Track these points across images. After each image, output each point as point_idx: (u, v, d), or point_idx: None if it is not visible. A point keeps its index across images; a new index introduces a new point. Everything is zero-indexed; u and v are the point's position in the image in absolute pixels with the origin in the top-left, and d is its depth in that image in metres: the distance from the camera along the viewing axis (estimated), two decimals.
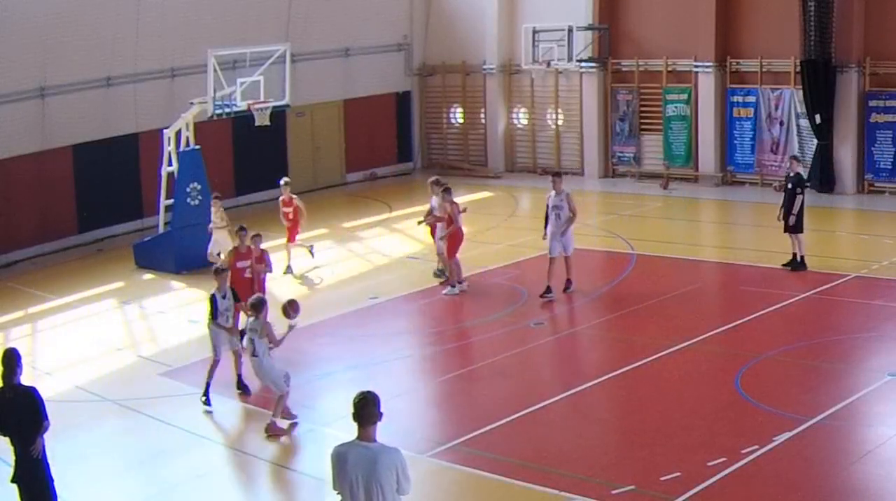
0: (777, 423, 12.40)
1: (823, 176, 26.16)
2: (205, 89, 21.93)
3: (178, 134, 22.31)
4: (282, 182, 21.58)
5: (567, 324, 17.77)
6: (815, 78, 25.68)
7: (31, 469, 10.27)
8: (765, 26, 27.11)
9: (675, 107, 28.72)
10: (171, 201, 22.25)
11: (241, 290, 15.93)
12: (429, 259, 20.90)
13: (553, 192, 18.24)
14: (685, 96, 28.52)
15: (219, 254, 20.04)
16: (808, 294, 17.90)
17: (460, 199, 20.04)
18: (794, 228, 19.21)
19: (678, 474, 11.18)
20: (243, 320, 15.15)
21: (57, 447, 11.09)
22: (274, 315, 13.60)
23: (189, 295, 20.10)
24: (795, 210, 19.10)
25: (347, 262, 22.40)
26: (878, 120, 25.75)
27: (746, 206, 26.24)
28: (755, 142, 27.62)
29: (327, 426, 13.42)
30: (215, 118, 22.40)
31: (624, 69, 29.75)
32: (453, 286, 19.01)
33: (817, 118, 25.90)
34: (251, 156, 28.35)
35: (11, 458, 10.36)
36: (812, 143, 26.41)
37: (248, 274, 16.26)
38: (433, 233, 19.70)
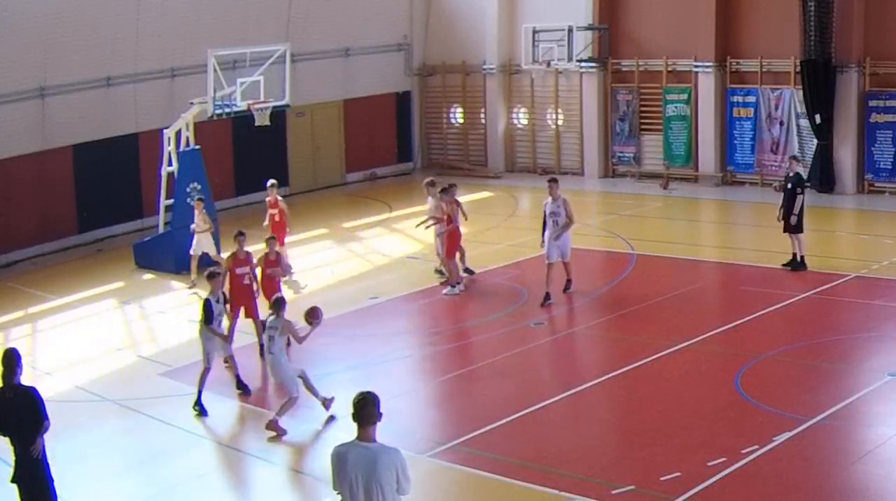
0: (777, 423, 12.40)
1: (823, 176, 26.16)
2: (205, 89, 21.93)
3: (178, 134, 22.32)
4: (268, 183, 21.35)
5: (567, 324, 17.76)
6: (815, 78, 25.68)
7: (31, 469, 10.27)
8: (765, 26, 27.11)
9: (675, 107, 28.72)
10: (171, 201, 22.26)
11: (239, 296, 15.96)
12: (429, 259, 20.91)
13: (550, 199, 18.15)
14: (685, 96, 28.52)
15: (203, 256, 19.95)
16: (808, 294, 17.90)
17: (460, 199, 19.98)
18: (795, 228, 19.21)
19: (678, 474, 11.18)
20: (226, 325, 15.15)
21: (57, 447, 11.10)
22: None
23: (189, 295, 20.09)
24: (796, 210, 19.10)
25: (347, 262, 22.40)
26: (878, 120, 25.75)
27: (746, 206, 26.24)
28: (755, 142, 27.62)
29: (327, 426, 13.44)
30: (215, 118, 22.40)
31: (624, 69, 29.75)
32: (453, 286, 19.01)
33: (817, 118, 25.90)
34: (251, 156, 28.35)
35: (11, 458, 10.37)
36: (812, 143, 26.41)
37: (246, 281, 16.12)
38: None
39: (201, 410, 14.00)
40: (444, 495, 11.51)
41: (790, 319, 17.01)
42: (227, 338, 14.62)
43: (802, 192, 19.28)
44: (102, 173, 25.41)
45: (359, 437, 7.43)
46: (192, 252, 20.40)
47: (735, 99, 27.87)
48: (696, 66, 28.09)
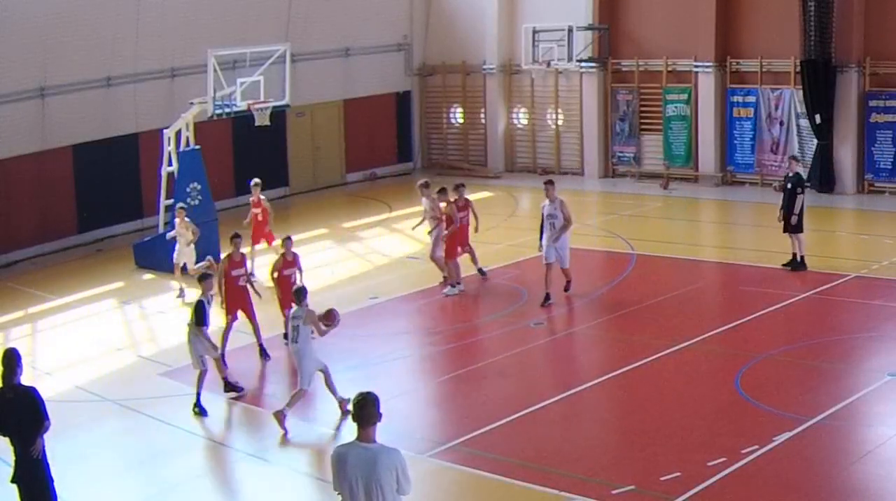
0: (777, 423, 12.40)
1: (823, 176, 26.17)
2: (205, 89, 21.94)
3: (178, 134, 22.32)
4: (252, 183, 21.21)
5: (567, 324, 17.76)
6: (815, 78, 25.68)
7: (31, 469, 10.27)
8: (765, 26, 27.11)
9: (675, 107, 28.72)
10: (171, 201, 22.25)
11: (234, 298, 15.95)
12: (429, 259, 20.86)
13: (547, 201, 18.08)
14: (685, 96, 28.52)
15: (184, 266, 19.86)
16: (808, 294, 17.90)
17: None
18: (795, 228, 19.21)
19: (678, 474, 11.18)
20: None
21: (57, 447, 11.09)
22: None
23: (189, 295, 20.07)
24: (796, 210, 19.10)
25: (347, 262, 22.40)
26: (878, 120, 25.75)
27: (746, 206, 26.24)
28: (755, 142, 27.62)
29: (327, 426, 13.44)
30: (215, 118, 22.41)
31: (624, 69, 29.75)
32: (453, 286, 19.00)
33: (817, 118, 25.90)
34: (251, 156, 28.33)
35: (11, 458, 10.37)
36: (812, 143, 26.41)
37: (241, 282, 16.10)
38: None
39: (201, 411, 14.00)
40: (444, 495, 11.51)
41: (790, 319, 17.01)
42: (216, 347, 14.41)
43: (802, 192, 19.28)
44: (102, 173, 25.41)
45: (359, 438, 7.43)
46: (174, 260, 20.16)
47: (735, 99, 27.87)
48: (696, 66, 28.09)
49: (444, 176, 30.25)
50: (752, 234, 23.59)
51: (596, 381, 14.53)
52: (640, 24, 29.35)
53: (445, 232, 19.06)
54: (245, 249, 17.06)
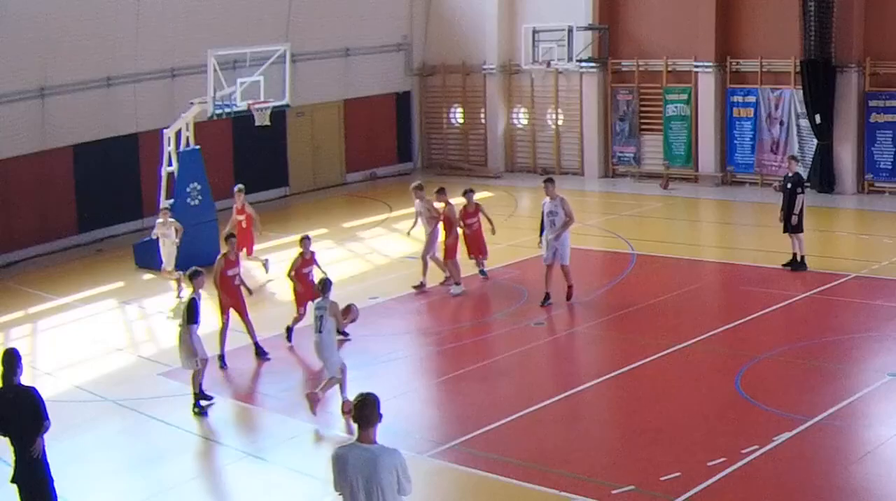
0: (777, 423, 12.40)
1: (823, 176, 26.17)
2: (205, 89, 21.91)
3: (178, 134, 22.30)
4: (235, 189, 20.97)
5: (567, 324, 17.75)
6: (815, 78, 25.69)
7: (31, 469, 10.28)
8: (765, 26, 27.11)
9: (675, 107, 28.72)
10: (171, 201, 22.24)
11: (230, 297, 15.93)
12: (420, 258, 20.84)
13: (548, 198, 18.03)
14: (685, 96, 28.52)
15: (171, 270, 19.82)
16: (808, 294, 17.90)
17: (459, 200, 19.89)
18: (795, 228, 19.21)
19: (678, 474, 11.18)
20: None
21: (57, 447, 11.11)
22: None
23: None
24: (797, 210, 19.10)
25: (347, 262, 22.39)
26: (878, 120, 25.75)
27: (746, 206, 26.24)
28: (755, 142, 27.62)
29: (328, 426, 13.43)
30: (215, 118, 22.38)
31: (624, 69, 29.75)
32: (457, 284, 19.01)
33: (817, 118, 25.90)
34: (251, 157, 28.35)
35: (11, 458, 10.37)
36: (812, 143, 26.42)
37: (236, 282, 16.06)
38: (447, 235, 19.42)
39: (201, 411, 14.00)
40: (444, 495, 11.51)
41: (790, 319, 17.01)
42: (196, 351, 13.94)
43: (802, 192, 19.28)
44: (102, 173, 25.40)
45: (359, 438, 7.43)
46: (163, 267, 20.06)
47: (735, 99, 27.87)
48: (696, 66, 28.09)
49: (444, 176, 30.28)
50: (753, 234, 23.59)
51: (596, 381, 14.53)
52: (639, 24, 29.34)
53: (443, 233, 19.00)
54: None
